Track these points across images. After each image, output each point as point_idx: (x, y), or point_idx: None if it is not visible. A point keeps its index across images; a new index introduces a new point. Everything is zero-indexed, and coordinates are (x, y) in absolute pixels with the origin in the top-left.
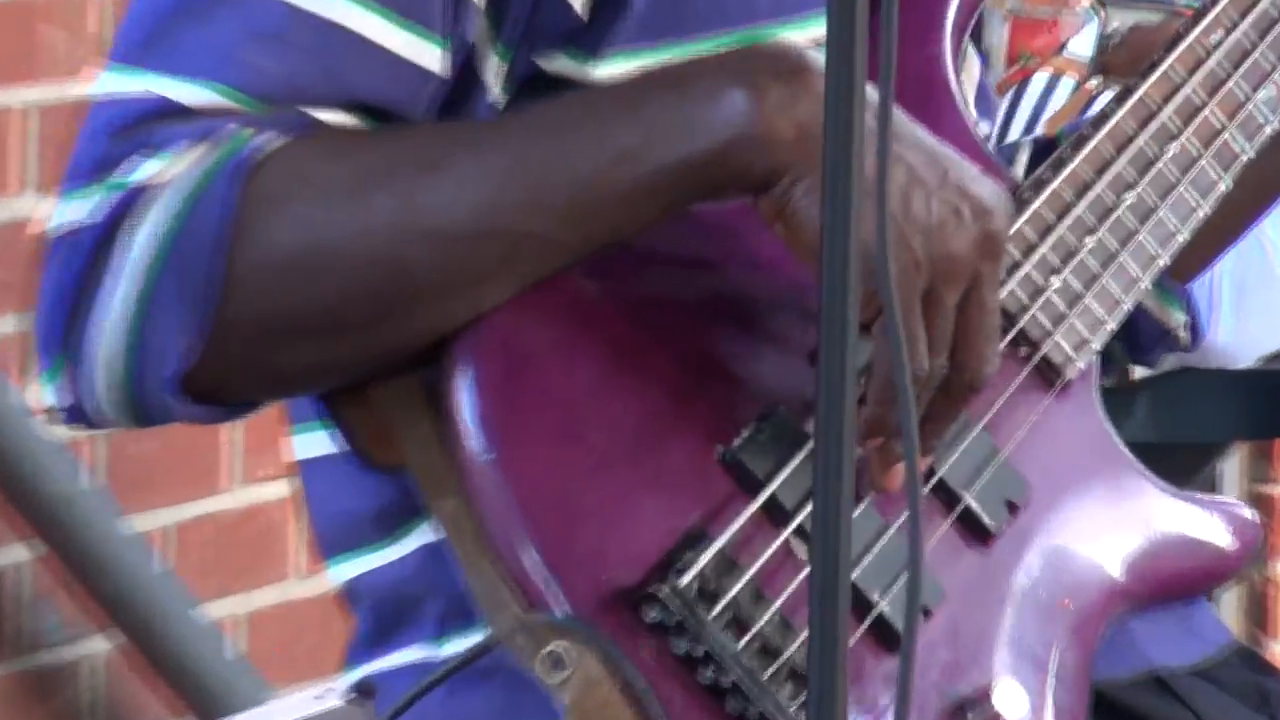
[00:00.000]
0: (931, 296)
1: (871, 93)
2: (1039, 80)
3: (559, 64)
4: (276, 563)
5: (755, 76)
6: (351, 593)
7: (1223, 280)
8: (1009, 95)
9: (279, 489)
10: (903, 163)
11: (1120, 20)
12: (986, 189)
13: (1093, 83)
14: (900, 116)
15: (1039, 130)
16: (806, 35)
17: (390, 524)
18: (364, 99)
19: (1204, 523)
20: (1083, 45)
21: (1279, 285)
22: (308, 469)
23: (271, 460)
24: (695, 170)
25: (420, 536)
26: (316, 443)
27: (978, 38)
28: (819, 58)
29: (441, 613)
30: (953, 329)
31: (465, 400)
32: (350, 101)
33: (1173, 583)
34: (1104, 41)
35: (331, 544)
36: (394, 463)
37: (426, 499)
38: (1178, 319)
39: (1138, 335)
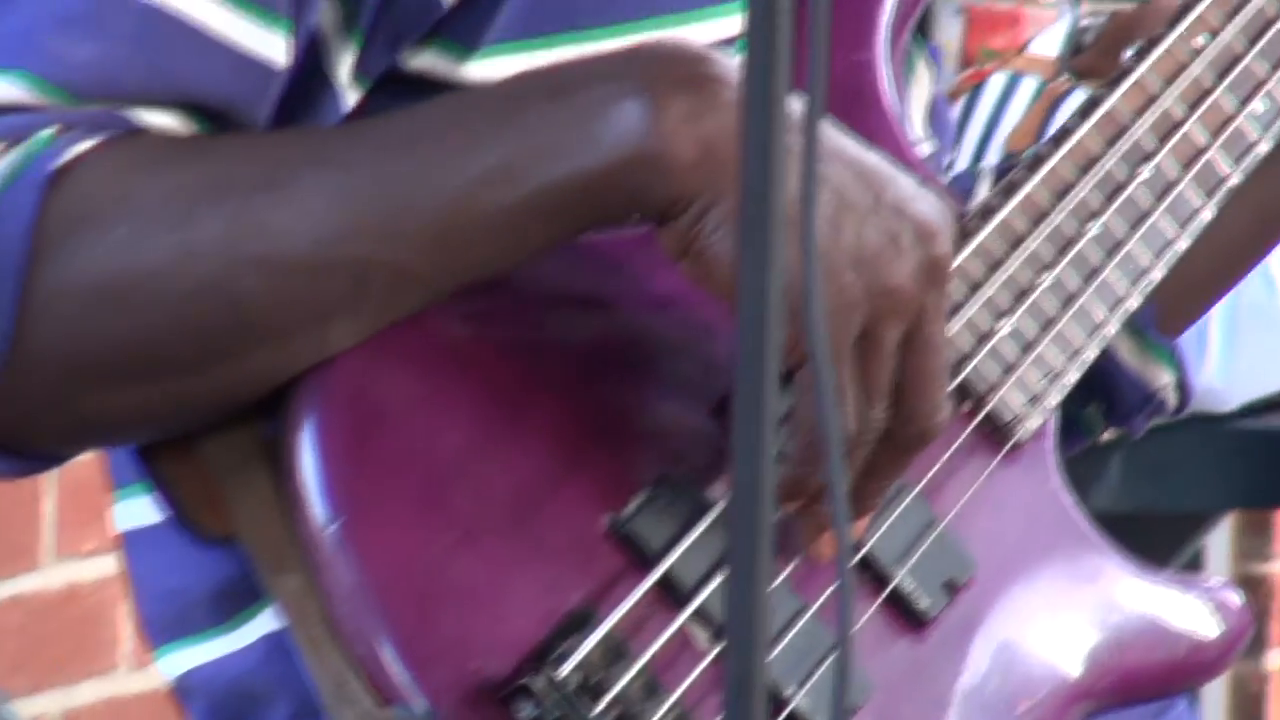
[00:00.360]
0: (870, 338)
1: (794, 102)
2: (995, 83)
3: (424, 60)
4: (102, 652)
5: (653, 84)
6: (184, 688)
7: (1213, 314)
8: (961, 103)
9: (104, 565)
10: (830, 183)
11: (1096, 10)
12: (927, 207)
13: (1062, 80)
14: (828, 128)
15: (996, 142)
16: (713, 32)
17: (229, 607)
18: (195, 96)
19: (1180, 609)
20: (1050, 42)
21: (1277, 324)
22: (133, 541)
23: (95, 532)
24: (580, 194)
25: (265, 623)
26: (143, 510)
27: (925, 37)
28: (729, 61)
29: (290, 713)
30: (894, 373)
31: (309, 458)
32: (179, 99)
33: (1142, 680)
34: (1077, 37)
35: (160, 629)
36: (227, 532)
37: (265, 576)
38: (1164, 378)
39: (1118, 397)
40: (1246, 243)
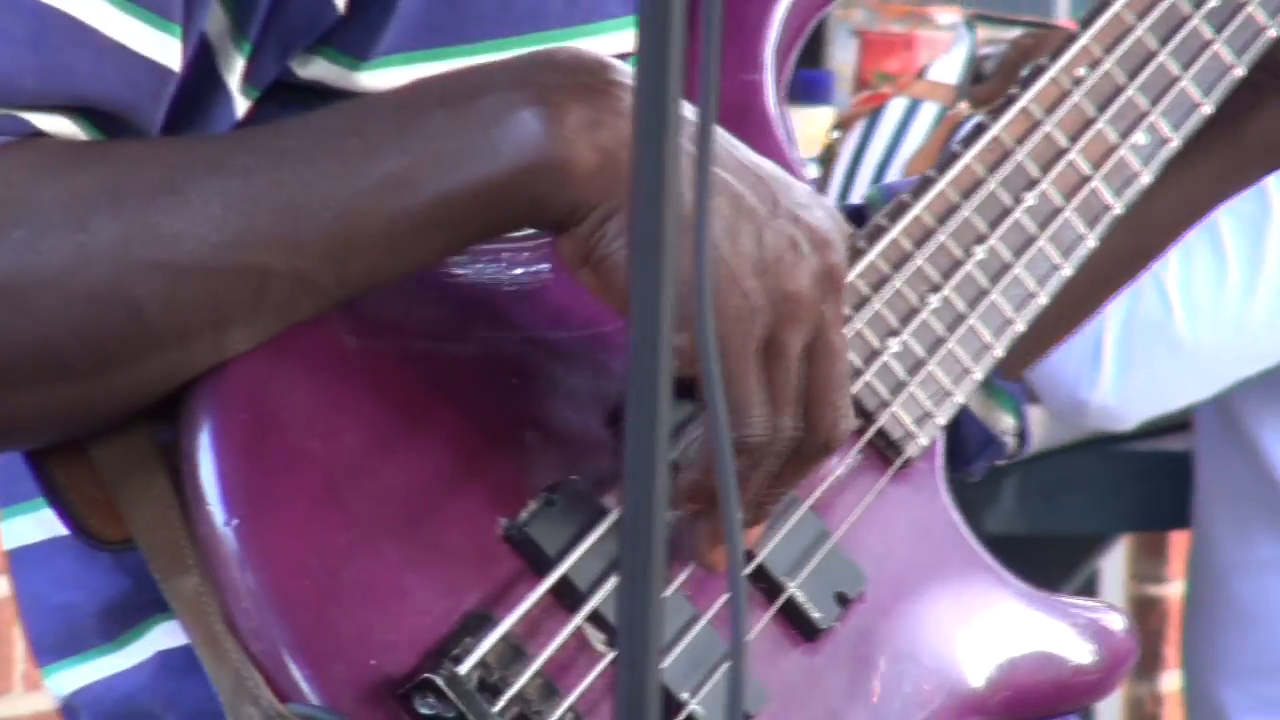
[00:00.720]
0: (775, 345)
1: (689, 112)
2: (894, 109)
3: (315, 69)
4: None
5: (551, 92)
6: (71, 707)
7: (1108, 333)
8: (858, 130)
9: None
10: (727, 190)
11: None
12: (822, 214)
13: (962, 107)
14: (722, 136)
15: (895, 167)
16: (603, 47)
17: (117, 624)
18: (90, 99)
19: (1065, 631)
20: (949, 68)
21: (1174, 343)
22: (20, 559)
23: None
24: (479, 202)
25: (156, 640)
26: (30, 527)
27: (814, 63)
28: (626, 69)
29: None
30: (801, 382)
31: (206, 458)
32: (73, 101)
33: (1031, 699)
34: (977, 65)
35: (49, 648)
36: (122, 538)
37: (161, 578)
38: (1007, 423)
39: (961, 442)
40: (1120, 267)
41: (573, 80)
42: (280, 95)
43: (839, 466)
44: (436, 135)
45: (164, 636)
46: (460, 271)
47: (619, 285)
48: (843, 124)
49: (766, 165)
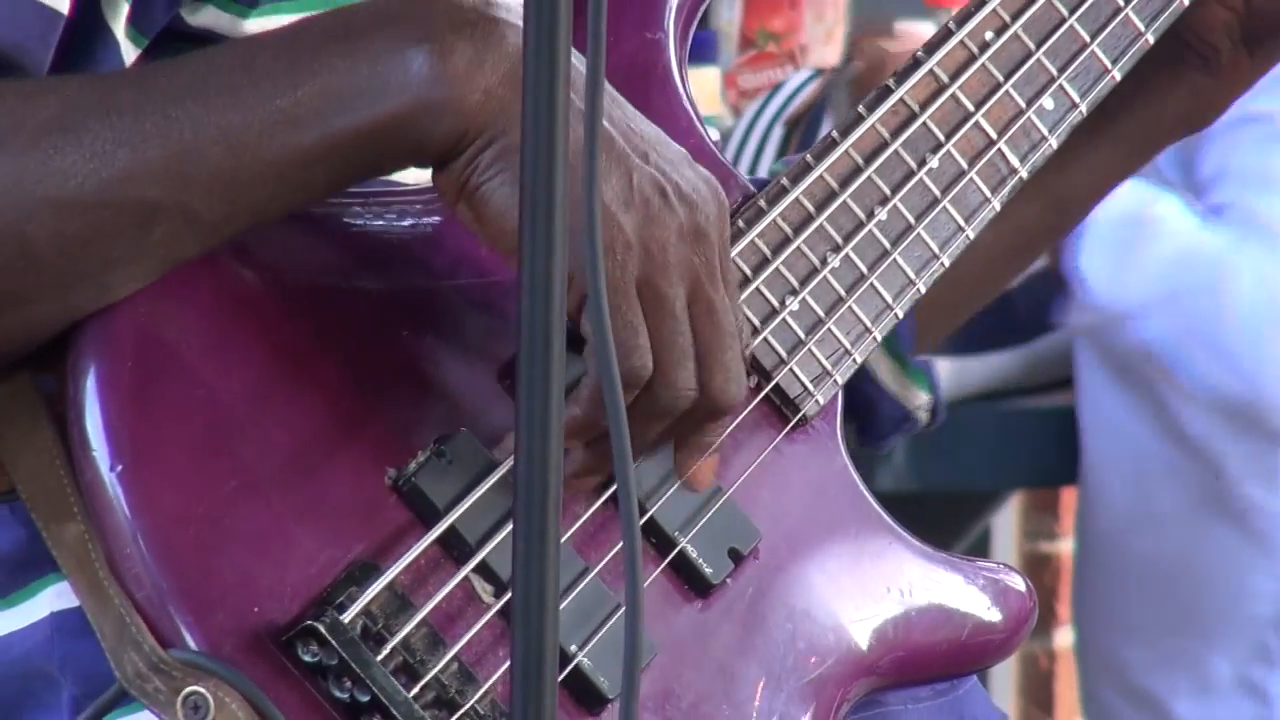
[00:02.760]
0: (651, 289)
1: (577, 63)
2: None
3: (205, 17)
4: None
5: (437, 30)
6: None
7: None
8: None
9: None
10: (602, 135)
11: None
12: (694, 175)
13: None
14: (606, 89)
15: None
16: None
17: (13, 579)
18: None
19: (964, 592)
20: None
21: (1155, 231)
22: None
23: None
24: (365, 140)
25: (51, 600)
26: None
27: (704, 20)
28: (510, 3)
29: (78, 695)
30: (690, 340)
31: (91, 405)
32: None
33: (927, 660)
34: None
35: None
36: (4, 489)
37: (44, 527)
38: (921, 398)
39: (875, 417)
40: (1031, 240)
41: (458, 16)
42: (171, 44)
43: (733, 423)
44: (324, 72)
45: (58, 597)
46: (353, 220)
47: (490, 216)
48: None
49: (645, 124)
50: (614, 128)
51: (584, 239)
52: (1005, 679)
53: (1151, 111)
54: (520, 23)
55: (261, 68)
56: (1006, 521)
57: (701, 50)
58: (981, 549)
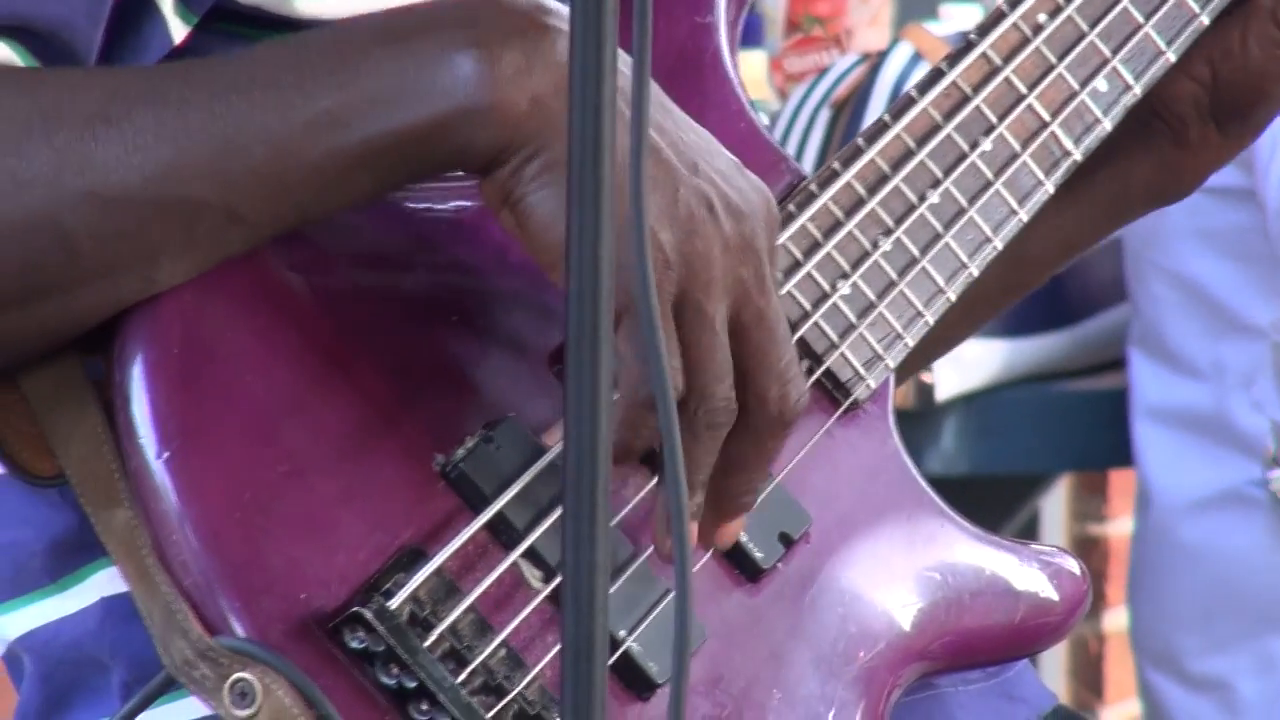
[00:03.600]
0: (691, 306)
1: (624, 65)
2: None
3: None
4: None
5: (486, 35)
6: (13, 655)
7: None
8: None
9: None
10: (649, 143)
11: None
12: (744, 185)
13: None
14: (655, 92)
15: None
16: None
17: (64, 563)
18: (24, 17)
19: (1018, 575)
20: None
21: None
22: None
23: None
24: (409, 144)
25: (102, 585)
26: None
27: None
28: (560, 10)
29: (128, 680)
30: (730, 353)
31: (139, 391)
32: (6, 21)
33: (980, 644)
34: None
35: None
36: (54, 473)
37: (93, 513)
38: None
39: None
40: (990, 298)
41: (507, 23)
42: (219, 22)
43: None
44: (371, 75)
45: (109, 582)
46: (400, 206)
47: (535, 229)
48: (779, 91)
49: (695, 130)
50: (662, 138)
51: (627, 258)
52: (1055, 662)
53: (1120, 180)
54: None
55: (308, 66)
56: (1055, 504)
57: (747, 34)
58: (1030, 532)
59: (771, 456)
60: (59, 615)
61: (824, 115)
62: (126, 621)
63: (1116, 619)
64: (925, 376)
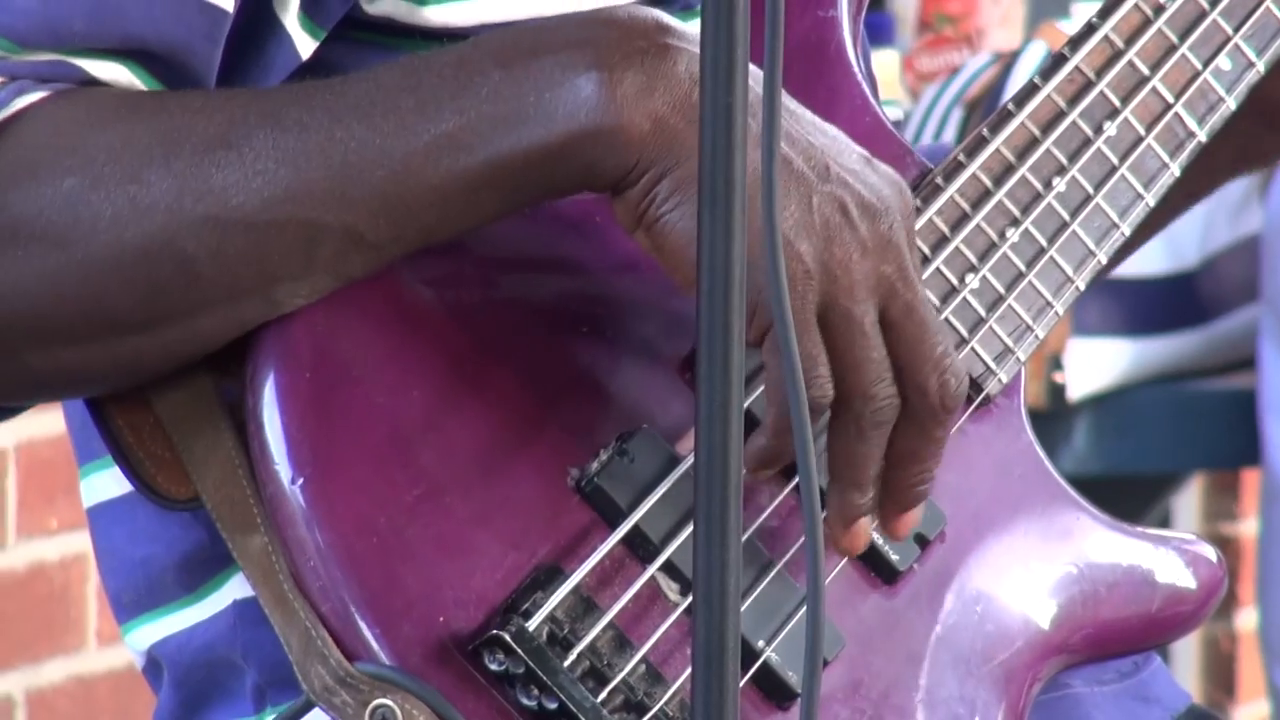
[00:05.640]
0: (837, 312)
1: (753, 79)
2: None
3: (385, 4)
4: (68, 630)
5: (608, 57)
6: (153, 661)
7: None
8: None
9: (68, 543)
10: (779, 154)
11: None
12: (878, 181)
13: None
14: (783, 98)
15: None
16: None
17: (197, 575)
18: (141, 40)
19: (1154, 563)
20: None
21: None
22: (99, 515)
23: (60, 509)
24: (532, 166)
25: (233, 590)
26: (109, 483)
27: (875, 5)
28: (684, 30)
29: (260, 682)
30: (886, 350)
31: (272, 416)
32: (125, 44)
33: (1116, 635)
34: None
35: (129, 603)
36: (188, 496)
37: (229, 536)
38: None
39: None
40: (1165, 209)
41: (630, 44)
42: (349, 34)
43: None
44: (491, 97)
45: (241, 586)
46: (524, 220)
47: (670, 247)
48: (911, 87)
49: (823, 131)
50: (792, 147)
51: (764, 271)
52: (1187, 661)
53: (1243, 140)
54: (694, 49)
55: (428, 89)
56: (1188, 503)
57: (879, 33)
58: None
59: (940, 444)
60: (192, 623)
61: (956, 114)
62: (258, 624)
63: (1249, 618)
64: (1057, 376)
